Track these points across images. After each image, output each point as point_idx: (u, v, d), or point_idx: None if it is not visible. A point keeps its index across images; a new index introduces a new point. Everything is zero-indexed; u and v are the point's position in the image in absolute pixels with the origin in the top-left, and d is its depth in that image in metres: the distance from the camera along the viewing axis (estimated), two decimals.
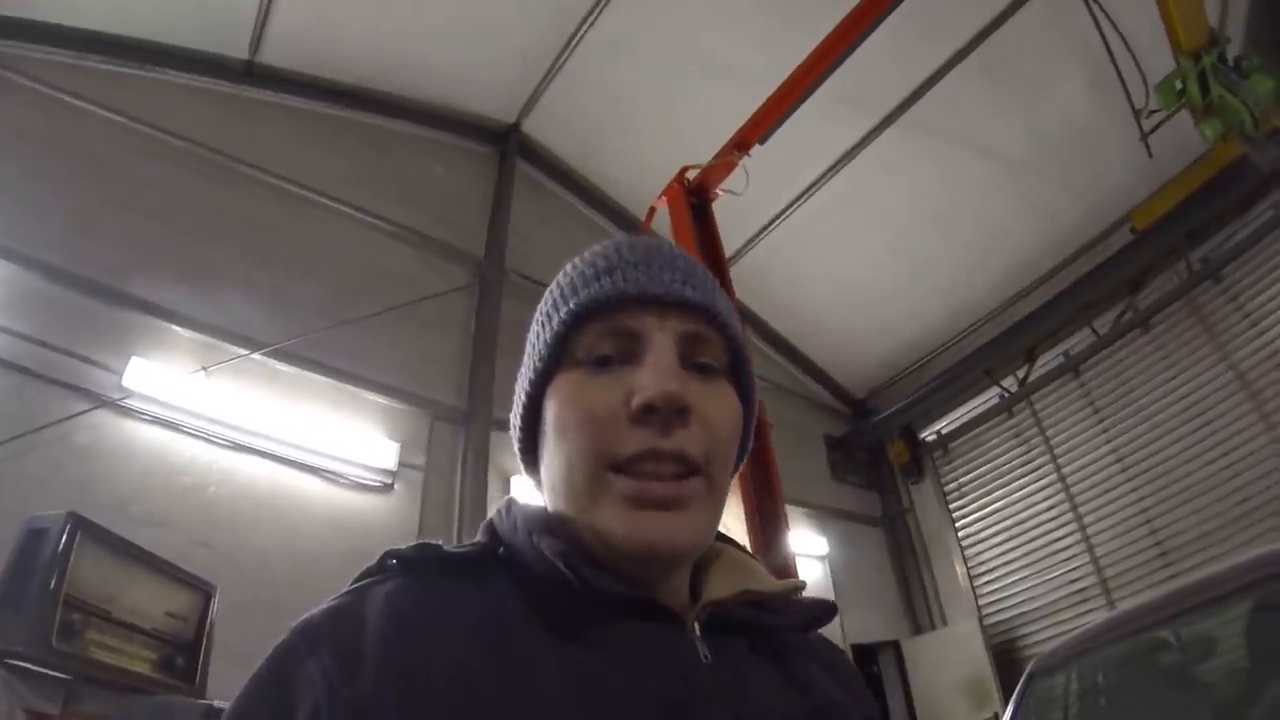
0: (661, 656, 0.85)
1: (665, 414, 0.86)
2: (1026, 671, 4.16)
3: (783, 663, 0.97)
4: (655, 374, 0.87)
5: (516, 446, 1.03)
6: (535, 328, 1.00)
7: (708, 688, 0.85)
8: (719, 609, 0.95)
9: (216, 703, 3.47)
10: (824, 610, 1.05)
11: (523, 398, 0.98)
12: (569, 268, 1.01)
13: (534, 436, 0.99)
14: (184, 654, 3.61)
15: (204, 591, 3.79)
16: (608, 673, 0.81)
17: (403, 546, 0.90)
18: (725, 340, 0.97)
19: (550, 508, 0.95)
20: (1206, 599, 3.71)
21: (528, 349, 1.01)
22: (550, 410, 0.93)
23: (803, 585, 1.06)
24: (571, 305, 0.93)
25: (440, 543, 0.91)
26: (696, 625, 0.92)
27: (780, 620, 1.00)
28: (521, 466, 1.05)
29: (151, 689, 3.36)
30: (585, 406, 0.89)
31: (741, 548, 1.08)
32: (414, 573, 0.87)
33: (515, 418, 1.02)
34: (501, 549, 0.94)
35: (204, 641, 3.70)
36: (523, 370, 1.00)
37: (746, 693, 0.88)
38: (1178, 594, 3.89)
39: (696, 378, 0.92)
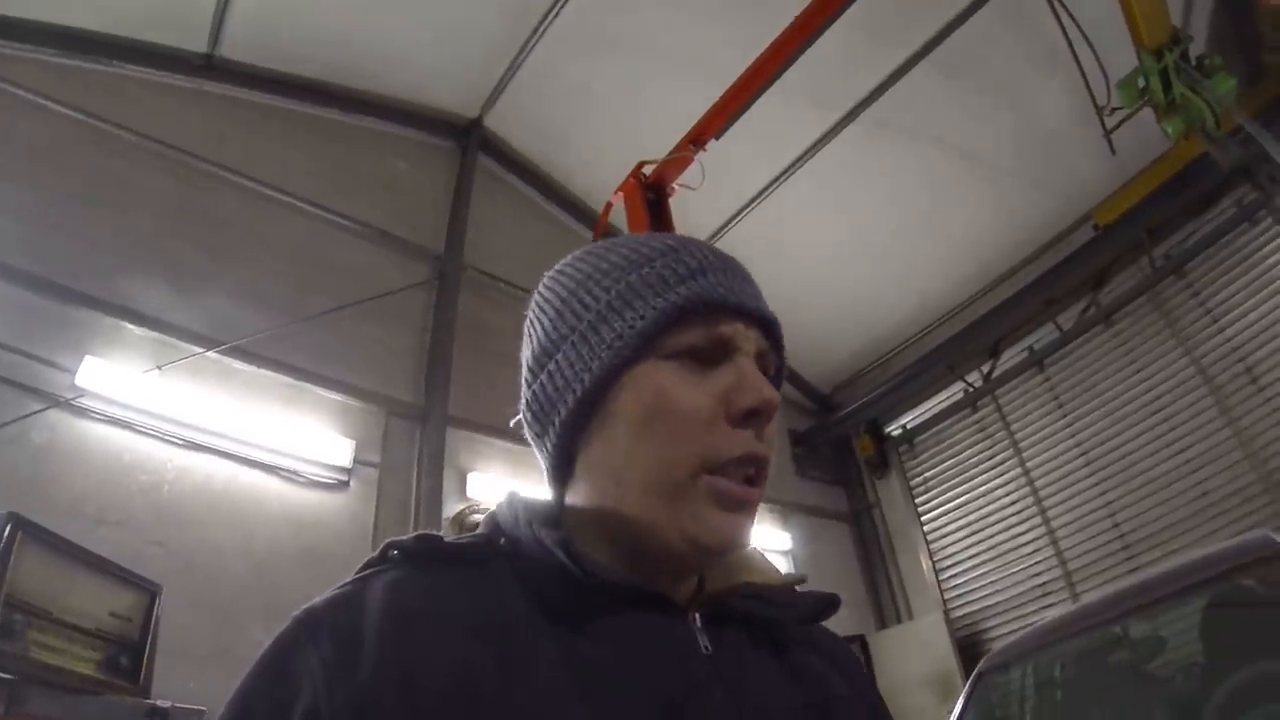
0: (662, 648, 0.86)
1: (765, 420, 0.90)
2: (975, 670, 4.18)
3: (784, 655, 0.98)
4: (759, 381, 0.91)
5: (554, 434, 0.98)
6: (592, 310, 0.96)
7: (708, 679, 0.85)
8: (720, 601, 0.97)
9: (160, 702, 3.46)
10: (826, 604, 1.06)
11: (586, 381, 0.93)
12: (629, 253, 1.00)
13: (581, 425, 0.96)
14: (128, 654, 3.57)
15: (149, 591, 3.76)
16: (609, 664, 0.81)
17: (404, 537, 0.90)
18: (777, 359, 1.02)
19: (597, 500, 0.94)
20: (1160, 596, 3.75)
21: (572, 330, 0.97)
22: (632, 401, 0.91)
23: (804, 579, 1.08)
24: (672, 298, 0.92)
25: (441, 533, 0.92)
26: (698, 617, 0.93)
27: (782, 613, 1.01)
28: (548, 456, 1.01)
29: (96, 689, 3.33)
30: (687, 404, 0.89)
31: None
32: (415, 563, 0.88)
33: (560, 404, 0.96)
34: (503, 540, 0.94)
35: (149, 641, 3.67)
36: (565, 351, 0.96)
37: (747, 685, 0.88)
38: (1131, 591, 3.92)
39: None
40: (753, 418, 0.89)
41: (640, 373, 0.91)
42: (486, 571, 0.89)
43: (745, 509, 0.90)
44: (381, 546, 0.90)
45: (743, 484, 0.90)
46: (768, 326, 0.99)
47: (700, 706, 0.82)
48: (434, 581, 0.85)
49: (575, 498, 0.97)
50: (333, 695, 0.73)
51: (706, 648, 0.89)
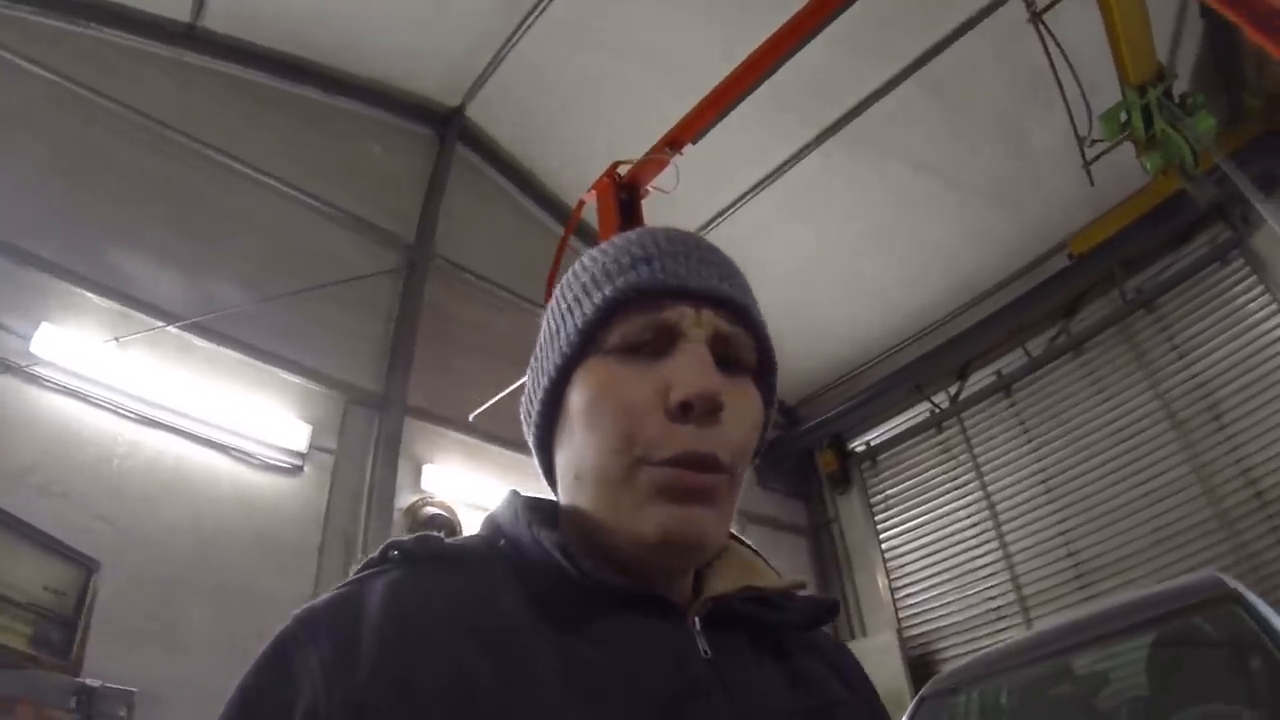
0: (661, 650, 0.85)
1: (702, 412, 0.84)
2: (918, 695, 4.17)
3: (785, 660, 0.96)
4: (695, 370, 0.85)
5: (532, 436, 1.02)
6: (559, 313, 0.97)
7: (707, 683, 0.84)
8: (720, 604, 0.94)
9: (90, 681, 3.38)
10: (826, 609, 1.04)
11: (545, 383, 0.95)
12: (597, 254, 0.99)
13: (551, 426, 0.97)
14: (60, 630, 3.49)
15: (85, 566, 3.68)
16: (606, 666, 0.80)
17: (405, 538, 0.89)
18: (756, 341, 0.95)
19: (569, 499, 0.94)
20: (1107, 632, 3.74)
21: (547, 335, 0.99)
22: (579, 398, 0.90)
23: (804, 583, 1.03)
24: (607, 291, 0.91)
25: (440, 535, 0.91)
26: (697, 620, 0.91)
27: (782, 617, 0.99)
28: (536, 459, 1.04)
29: (24, 664, 3.25)
30: (621, 396, 0.87)
31: (745, 543, 1.07)
32: (415, 564, 0.87)
33: (532, 406, 1.00)
34: (503, 541, 0.93)
35: (83, 618, 3.59)
36: (542, 356, 0.98)
37: (747, 689, 0.87)
38: (1077, 625, 3.92)
39: (726, 375, 0.89)
40: (688, 411, 0.84)
41: (587, 369, 0.91)
42: (486, 572, 0.88)
43: (697, 499, 0.85)
44: (382, 547, 0.89)
45: (699, 472, 0.85)
46: (733, 308, 0.93)
47: (699, 710, 0.81)
48: (433, 583, 0.84)
49: (560, 498, 0.98)
50: (331, 695, 0.72)
51: (706, 651, 0.87)
